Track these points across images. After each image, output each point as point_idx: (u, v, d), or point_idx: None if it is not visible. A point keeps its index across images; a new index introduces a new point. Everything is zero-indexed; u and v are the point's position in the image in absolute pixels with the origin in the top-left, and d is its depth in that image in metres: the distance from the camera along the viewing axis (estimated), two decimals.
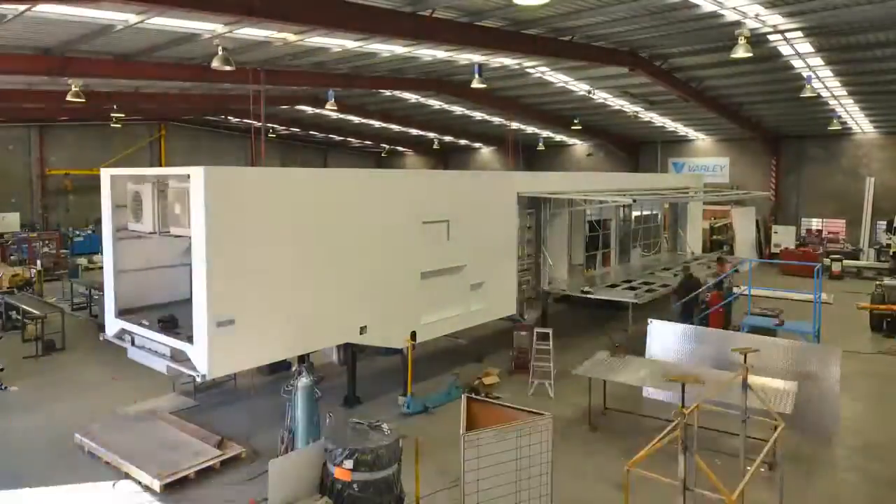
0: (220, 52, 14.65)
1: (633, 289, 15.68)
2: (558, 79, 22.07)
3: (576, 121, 29.50)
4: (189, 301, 9.18)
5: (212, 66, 14.97)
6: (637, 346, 12.31)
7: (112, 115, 29.54)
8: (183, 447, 9.36)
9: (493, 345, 15.23)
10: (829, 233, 29.94)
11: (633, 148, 35.84)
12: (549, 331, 12.64)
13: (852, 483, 8.98)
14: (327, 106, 24.69)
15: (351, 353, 11.46)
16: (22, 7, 12.03)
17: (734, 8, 13.46)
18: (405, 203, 11.85)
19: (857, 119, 26.47)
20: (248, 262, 9.19)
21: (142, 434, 9.85)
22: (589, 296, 15.26)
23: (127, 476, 8.87)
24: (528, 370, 12.75)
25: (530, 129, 33.97)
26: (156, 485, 8.45)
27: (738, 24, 14.16)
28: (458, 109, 29.74)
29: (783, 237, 28.90)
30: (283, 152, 42.15)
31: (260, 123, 21.29)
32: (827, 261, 25.15)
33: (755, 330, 13.17)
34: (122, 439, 9.65)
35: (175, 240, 10.15)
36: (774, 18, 14.24)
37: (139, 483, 8.68)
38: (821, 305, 14.46)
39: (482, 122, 32.91)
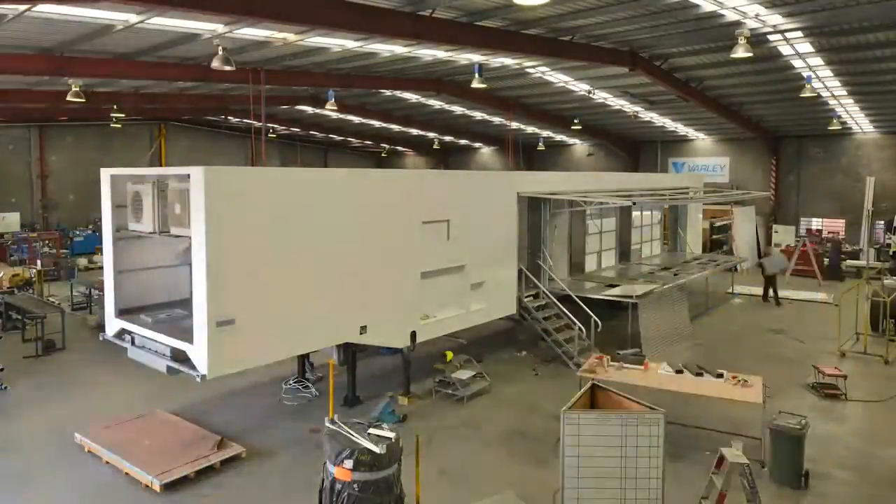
0: (220, 52, 14.64)
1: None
2: (558, 79, 22.08)
3: (576, 121, 29.50)
4: (189, 301, 9.19)
5: (212, 66, 14.98)
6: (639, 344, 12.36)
7: (112, 115, 29.54)
8: (183, 447, 9.35)
9: (493, 345, 15.25)
10: (828, 232, 29.96)
11: (633, 148, 35.84)
12: None
13: (852, 483, 8.97)
14: (327, 106, 24.70)
15: (351, 353, 11.47)
16: (22, 7, 12.03)
17: (734, 8, 13.46)
18: (405, 203, 11.86)
19: (856, 119, 26.48)
20: (248, 262, 9.20)
21: (142, 434, 9.84)
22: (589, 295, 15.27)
23: (127, 476, 8.88)
24: None
25: (530, 129, 33.97)
26: (156, 485, 8.45)
27: (738, 24, 14.17)
28: (458, 109, 29.74)
29: (783, 237, 28.90)
30: (283, 152, 42.17)
31: (260, 123, 21.30)
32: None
33: None
34: (123, 439, 9.66)
35: (175, 240, 10.15)
36: (774, 18, 14.24)
37: (139, 483, 8.69)
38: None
39: (482, 122, 32.91)
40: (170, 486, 8.51)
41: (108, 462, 9.23)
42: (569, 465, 6.49)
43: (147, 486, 8.57)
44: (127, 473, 8.90)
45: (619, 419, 6.48)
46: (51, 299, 18.39)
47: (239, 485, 8.74)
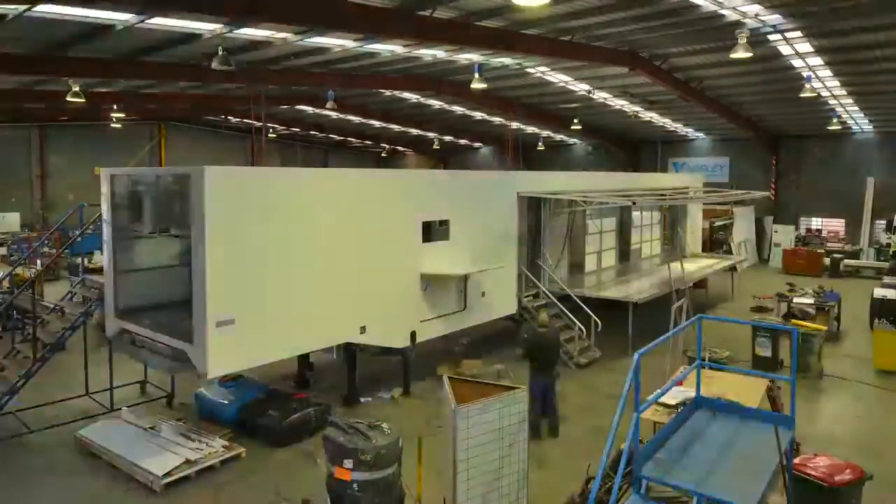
0: (220, 52, 14.65)
1: None
2: (558, 79, 22.07)
3: (576, 121, 29.52)
4: (189, 301, 9.19)
5: (212, 66, 14.98)
6: (642, 346, 12.25)
7: (112, 115, 29.54)
8: (184, 447, 9.37)
9: (492, 344, 15.23)
10: (828, 232, 29.98)
11: (633, 148, 35.85)
12: None
13: None
14: (327, 106, 24.69)
15: (351, 352, 11.47)
16: (22, 7, 12.04)
17: (734, 8, 13.47)
18: (405, 203, 11.86)
19: (856, 119, 26.48)
20: (247, 261, 9.21)
21: (143, 434, 9.85)
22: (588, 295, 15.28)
23: (128, 476, 8.88)
24: None
25: (530, 129, 33.98)
26: (157, 484, 8.48)
27: (738, 24, 14.17)
28: (458, 109, 29.74)
29: (783, 237, 28.91)
30: (283, 152, 42.14)
31: (260, 123, 21.31)
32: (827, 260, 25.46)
33: None
34: (124, 439, 9.66)
35: (175, 240, 10.17)
36: (774, 18, 14.25)
37: (140, 482, 8.70)
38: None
39: (482, 122, 32.91)
40: (170, 486, 8.52)
41: (109, 462, 9.24)
42: (460, 459, 6.76)
43: (148, 486, 8.57)
44: (128, 473, 8.90)
45: (498, 403, 7.00)
46: (45, 304, 18.11)
47: (238, 485, 8.75)
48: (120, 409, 10.83)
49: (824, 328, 14.00)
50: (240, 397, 10.60)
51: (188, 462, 8.93)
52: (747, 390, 9.48)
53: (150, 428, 9.93)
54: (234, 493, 8.55)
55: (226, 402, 10.58)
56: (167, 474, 8.60)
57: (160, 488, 8.45)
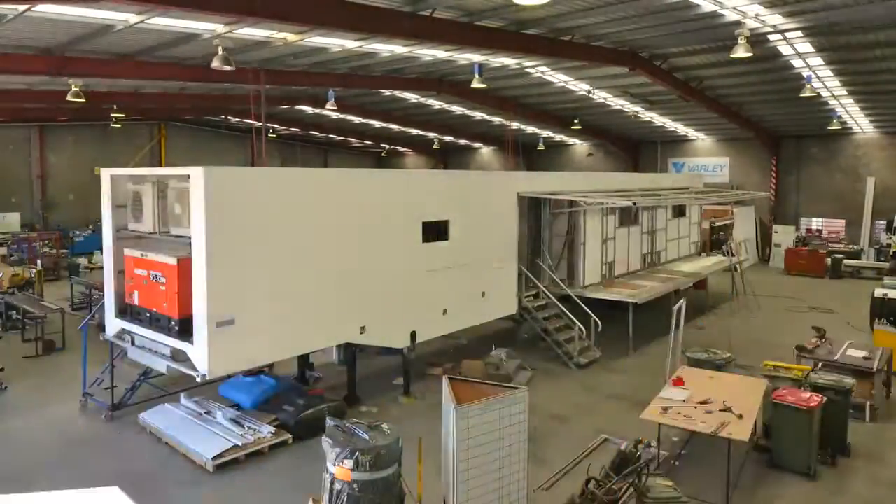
0: (220, 52, 14.65)
1: None
2: (558, 79, 22.08)
3: (576, 121, 29.52)
4: None
5: (212, 66, 14.98)
6: (642, 346, 12.28)
7: (112, 115, 29.55)
8: (235, 432, 9.76)
9: (492, 345, 15.24)
10: (828, 232, 29.99)
11: (633, 148, 35.85)
12: None
13: (852, 483, 8.98)
14: (327, 106, 24.70)
15: (351, 352, 11.47)
16: (22, 7, 12.04)
17: (734, 8, 13.47)
18: (405, 203, 11.86)
19: (856, 119, 26.48)
20: (247, 262, 9.22)
21: (198, 418, 10.28)
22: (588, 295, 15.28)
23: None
24: None
25: (530, 129, 33.98)
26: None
27: (738, 24, 14.17)
28: (458, 109, 29.74)
29: (783, 237, 28.91)
30: (283, 152, 42.18)
31: (260, 123, 21.28)
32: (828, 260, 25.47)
33: None
34: (181, 423, 10.17)
35: (175, 240, 10.17)
36: (774, 18, 14.25)
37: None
38: None
39: (482, 122, 32.92)
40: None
41: (167, 443, 9.79)
42: (460, 459, 6.77)
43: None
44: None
45: (498, 403, 7.00)
46: (45, 305, 18.12)
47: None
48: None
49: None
50: (256, 391, 10.78)
51: (239, 446, 9.36)
52: (747, 391, 9.53)
53: (205, 413, 10.37)
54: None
55: (243, 394, 10.81)
56: (218, 456, 9.06)
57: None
